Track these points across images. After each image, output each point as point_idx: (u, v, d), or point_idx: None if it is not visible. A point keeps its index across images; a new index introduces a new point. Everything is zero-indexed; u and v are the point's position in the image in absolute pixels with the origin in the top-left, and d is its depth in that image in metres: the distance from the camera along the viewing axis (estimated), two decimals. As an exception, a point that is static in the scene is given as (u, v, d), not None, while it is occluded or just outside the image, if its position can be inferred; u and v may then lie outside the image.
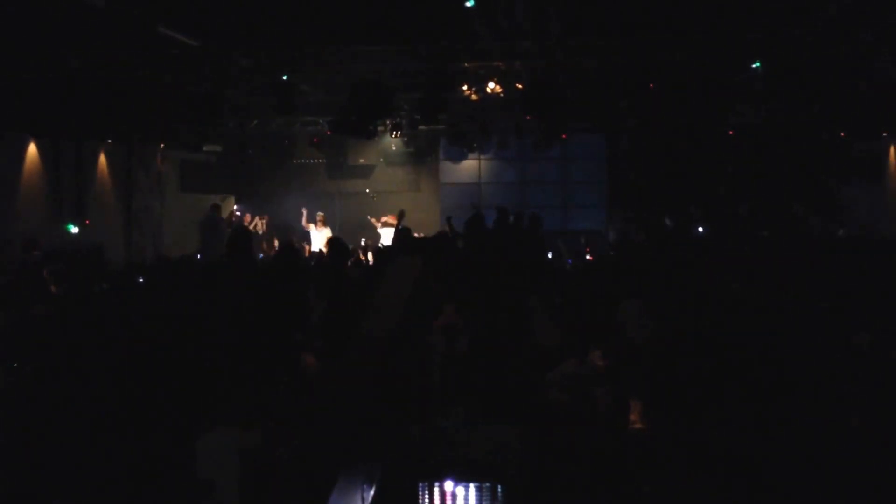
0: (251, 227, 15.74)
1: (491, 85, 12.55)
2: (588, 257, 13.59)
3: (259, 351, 8.04)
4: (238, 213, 18.08)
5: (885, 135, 15.28)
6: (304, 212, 16.02)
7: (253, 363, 7.81)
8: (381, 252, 9.43)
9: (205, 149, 17.64)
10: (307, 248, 15.29)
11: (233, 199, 18.58)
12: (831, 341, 6.81)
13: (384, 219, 15.88)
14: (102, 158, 14.57)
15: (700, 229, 15.61)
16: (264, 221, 17.10)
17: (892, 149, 15.31)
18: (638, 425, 6.11)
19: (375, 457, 2.75)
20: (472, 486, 2.86)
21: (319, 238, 15.88)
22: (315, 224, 16.29)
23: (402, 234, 12.41)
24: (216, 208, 17.25)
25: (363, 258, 12.73)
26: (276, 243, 15.47)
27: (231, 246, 8.68)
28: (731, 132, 15.94)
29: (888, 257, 12.19)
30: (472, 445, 3.50)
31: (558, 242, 12.88)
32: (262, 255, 14.96)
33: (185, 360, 6.92)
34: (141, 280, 9.29)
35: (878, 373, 5.91)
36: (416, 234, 13.44)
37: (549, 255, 12.15)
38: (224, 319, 8.36)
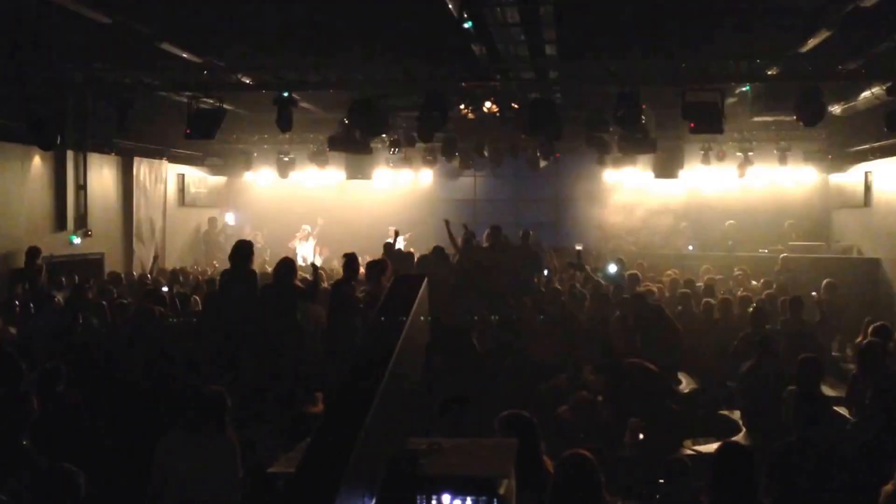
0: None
1: (487, 104, 12.68)
2: None
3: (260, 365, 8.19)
4: (231, 225, 18.15)
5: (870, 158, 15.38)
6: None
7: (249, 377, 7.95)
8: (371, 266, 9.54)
9: (206, 163, 17.82)
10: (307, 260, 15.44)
11: (232, 213, 18.64)
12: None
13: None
14: (106, 171, 14.70)
15: (690, 248, 15.77)
16: (262, 235, 17.19)
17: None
18: (634, 441, 6.28)
19: (375, 470, 2.85)
20: (468, 499, 2.91)
21: (303, 251, 16.18)
22: (297, 238, 16.54)
23: (388, 250, 12.53)
24: (213, 221, 17.45)
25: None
26: (268, 255, 15.67)
27: (233, 259, 8.84)
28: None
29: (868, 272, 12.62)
30: (468, 459, 3.60)
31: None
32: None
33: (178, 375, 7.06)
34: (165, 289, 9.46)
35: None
36: (411, 250, 13.60)
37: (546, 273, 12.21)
38: (221, 332, 8.52)
